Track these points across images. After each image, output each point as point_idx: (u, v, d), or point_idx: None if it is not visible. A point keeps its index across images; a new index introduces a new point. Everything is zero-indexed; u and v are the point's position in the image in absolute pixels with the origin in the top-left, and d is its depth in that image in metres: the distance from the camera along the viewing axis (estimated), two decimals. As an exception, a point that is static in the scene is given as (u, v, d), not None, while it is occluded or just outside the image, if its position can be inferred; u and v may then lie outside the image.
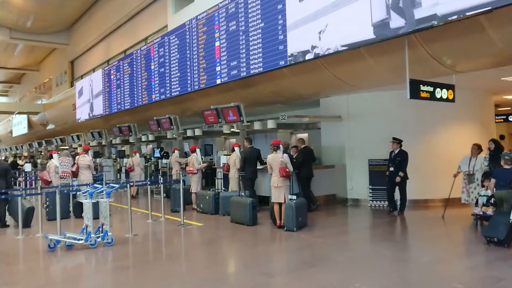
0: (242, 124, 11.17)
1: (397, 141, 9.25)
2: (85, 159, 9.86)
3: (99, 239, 6.74)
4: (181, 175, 12.76)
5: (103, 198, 6.82)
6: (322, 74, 8.99)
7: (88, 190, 6.88)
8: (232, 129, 12.73)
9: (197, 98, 12.67)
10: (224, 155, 12.39)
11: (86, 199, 6.74)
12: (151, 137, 16.78)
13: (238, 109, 10.50)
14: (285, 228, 7.61)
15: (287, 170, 7.77)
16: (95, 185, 7.14)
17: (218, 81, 10.25)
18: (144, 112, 15.73)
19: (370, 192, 10.51)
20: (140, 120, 16.42)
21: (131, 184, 8.62)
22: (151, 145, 21.91)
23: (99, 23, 21.35)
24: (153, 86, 13.29)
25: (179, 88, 11.91)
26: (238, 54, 9.50)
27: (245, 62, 9.27)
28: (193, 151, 11.80)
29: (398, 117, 10.48)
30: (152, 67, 13.22)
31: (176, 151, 13.19)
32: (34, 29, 24.44)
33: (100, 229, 6.92)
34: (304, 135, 12.98)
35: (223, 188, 10.97)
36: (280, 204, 7.88)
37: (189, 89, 11.47)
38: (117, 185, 7.00)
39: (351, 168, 11.07)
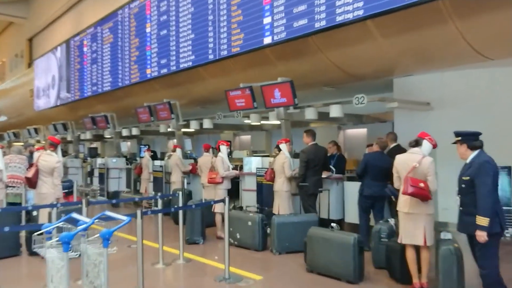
0: (287, 111, 7.60)
1: (466, 140, 3.95)
2: (50, 159, 5.87)
3: None
4: (185, 183, 9.12)
5: (94, 247, 3.04)
6: (438, 33, 5.67)
7: (54, 226, 3.07)
8: (263, 120, 9.06)
9: (208, 78, 8.95)
10: (255, 155, 8.69)
11: (52, 249, 2.93)
12: (135, 131, 12.78)
13: (292, 87, 6.90)
14: (440, 297, 4.03)
15: (432, 187, 4.23)
16: (74, 214, 3.30)
17: (267, 40, 6.61)
18: (125, 99, 11.88)
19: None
20: (119, 109, 12.57)
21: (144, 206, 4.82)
22: (129, 142, 17.86)
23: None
24: (149, 57, 9.43)
25: (192, 57, 8.15)
26: (310, -8, 5.89)
27: (326, 2, 5.66)
28: (207, 150, 8.18)
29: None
30: (148, 29, 9.37)
31: (178, 150, 9.39)
32: (-17, -3, 19.79)
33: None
34: (361, 131, 9.47)
35: (259, 206, 7.35)
36: (416, 247, 4.33)
37: (211, 57, 7.74)
38: (125, 218, 3.19)
39: (445, 178, 7.56)
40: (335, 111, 7.37)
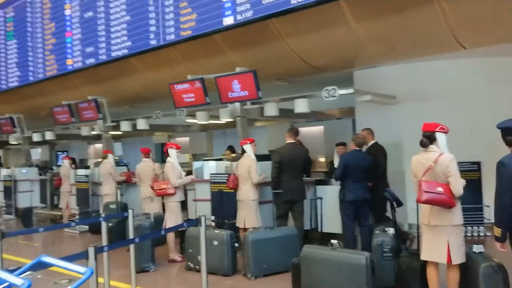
0: (243, 107, 6.63)
1: (502, 134, 3.24)
2: None
3: None
4: (118, 195, 7.76)
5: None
6: (419, 15, 5.23)
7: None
8: (211, 119, 7.93)
9: (142, 70, 7.68)
10: (207, 159, 7.54)
11: None
12: (49, 135, 10.88)
13: (255, 78, 5.92)
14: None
15: (455, 191, 3.48)
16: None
17: (228, 20, 5.52)
18: (36, 97, 10.20)
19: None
20: (27, 109, 10.83)
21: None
22: (40, 149, 15.52)
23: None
24: (69, 45, 7.81)
25: (128, 43, 6.78)
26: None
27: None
28: (147, 155, 7.00)
29: (490, 98, 6.85)
30: (68, 12, 7.78)
31: (110, 156, 7.95)
32: None
33: None
34: (317, 129, 8.74)
35: (215, 219, 6.23)
36: (437, 265, 3.57)
37: (153, 43, 6.46)
38: (69, 266, 1.95)
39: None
40: (301, 106, 6.51)
